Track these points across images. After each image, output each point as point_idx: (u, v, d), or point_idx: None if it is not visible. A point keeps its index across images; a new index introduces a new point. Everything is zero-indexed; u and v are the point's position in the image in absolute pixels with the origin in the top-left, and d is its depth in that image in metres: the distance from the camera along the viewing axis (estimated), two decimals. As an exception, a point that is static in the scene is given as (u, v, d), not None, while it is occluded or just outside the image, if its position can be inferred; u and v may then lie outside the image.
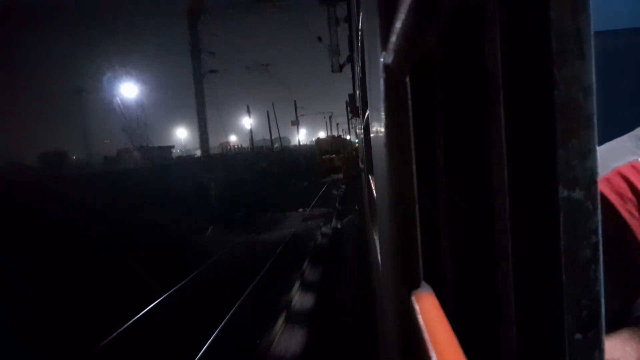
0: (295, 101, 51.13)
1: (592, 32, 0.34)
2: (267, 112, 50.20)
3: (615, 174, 0.74)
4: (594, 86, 0.35)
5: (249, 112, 48.51)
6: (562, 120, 0.36)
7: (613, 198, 0.72)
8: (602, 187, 0.73)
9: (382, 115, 0.51)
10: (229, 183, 23.86)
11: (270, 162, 40.79)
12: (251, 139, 52.04)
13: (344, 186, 27.25)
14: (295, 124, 51.12)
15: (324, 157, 41.93)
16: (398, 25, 0.40)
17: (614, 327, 0.67)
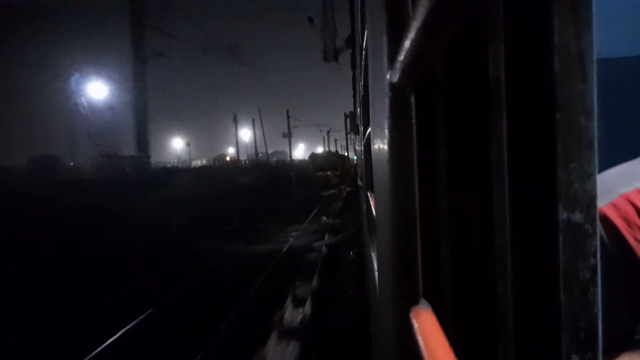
0: (287, 110, 45.98)
1: (594, 56, 0.35)
2: (253, 120, 45.62)
3: (623, 200, 0.74)
4: (596, 110, 0.36)
5: (235, 121, 45.40)
6: (563, 142, 0.36)
7: (620, 224, 0.73)
8: (609, 212, 0.73)
9: (386, 132, 0.52)
10: (182, 204, 17.91)
11: (255, 177, 34.52)
12: (237, 151, 49.13)
13: (339, 206, 20.72)
14: (288, 136, 46.96)
15: (318, 173, 38.97)
16: (406, 44, 0.40)
17: (618, 351, 0.66)
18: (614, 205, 0.74)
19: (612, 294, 0.65)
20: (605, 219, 0.73)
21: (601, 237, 0.72)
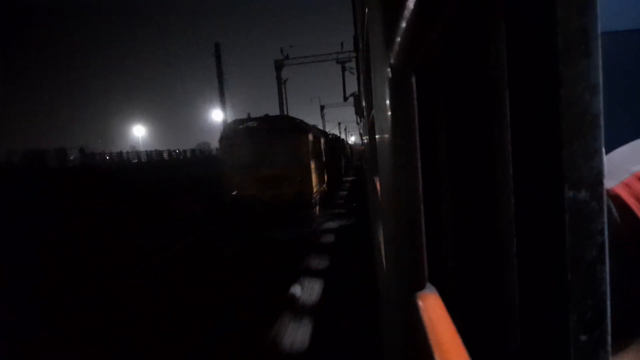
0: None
1: (598, 31, 0.34)
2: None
3: (635, 179, 0.73)
4: (601, 85, 0.35)
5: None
6: (568, 119, 0.35)
7: (632, 203, 0.72)
8: (620, 191, 0.73)
9: (388, 115, 0.51)
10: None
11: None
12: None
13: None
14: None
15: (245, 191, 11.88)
16: (403, 24, 0.40)
17: (631, 333, 0.66)
18: (626, 184, 0.73)
19: (624, 274, 0.64)
20: (617, 198, 0.72)
21: (613, 216, 0.71)
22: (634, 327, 0.66)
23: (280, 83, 31.66)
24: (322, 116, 45.31)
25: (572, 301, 0.37)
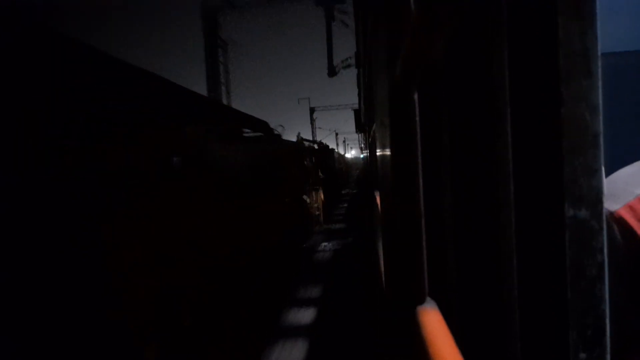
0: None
1: (599, 52, 0.35)
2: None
3: (639, 201, 0.73)
4: (601, 105, 0.36)
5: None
6: (568, 138, 0.36)
7: (636, 226, 0.72)
8: (625, 214, 0.73)
9: (388, 129, 0.51)
10: None
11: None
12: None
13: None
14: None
15: None
16: (406, 39, 0.40)
17: (630, 352, 0.66)
18: (630, 207, 0.73)
19: (629, 296, 0.64)
20: (621, 221, 0.72)
21: (617, 239, 0.71)
22: (634, 346, 0.66)
23: (216, 45, 16.16)
24: (312, 122, 33.08)
25: (572, 319, 0.37)
